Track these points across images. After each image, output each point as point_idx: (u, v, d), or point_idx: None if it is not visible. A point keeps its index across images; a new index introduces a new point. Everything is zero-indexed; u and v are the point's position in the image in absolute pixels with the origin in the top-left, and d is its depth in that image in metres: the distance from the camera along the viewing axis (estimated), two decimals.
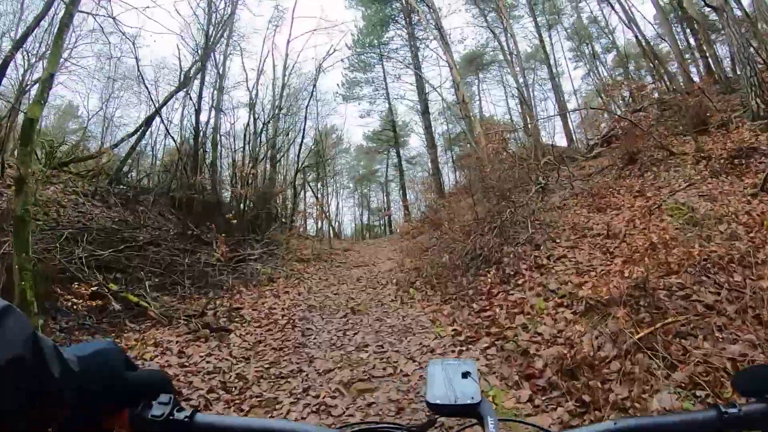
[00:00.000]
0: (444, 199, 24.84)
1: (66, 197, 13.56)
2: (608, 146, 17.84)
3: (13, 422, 0.49)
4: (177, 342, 7.04)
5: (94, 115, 23.44)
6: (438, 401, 0.76)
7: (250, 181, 18.35)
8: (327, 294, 10.38)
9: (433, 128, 30.37)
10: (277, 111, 20.87)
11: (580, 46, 31.20)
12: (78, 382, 0.56)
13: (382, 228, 48.19)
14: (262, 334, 7.43)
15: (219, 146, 18.95)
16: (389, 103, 34.00)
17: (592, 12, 28.01)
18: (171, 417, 0.66)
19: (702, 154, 10.44)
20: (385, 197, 45.69)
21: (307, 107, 21.66)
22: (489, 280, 7.30)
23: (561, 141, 26.25)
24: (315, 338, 6.90)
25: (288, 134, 23.01)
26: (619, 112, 14.17)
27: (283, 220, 19.85)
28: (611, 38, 27.83)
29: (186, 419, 0.67)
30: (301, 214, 19.19)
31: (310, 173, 33.08)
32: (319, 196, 28.48)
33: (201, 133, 18.07)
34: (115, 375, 0.64)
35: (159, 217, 15.42)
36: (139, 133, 18.00)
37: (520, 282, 6.86)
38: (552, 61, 28.22)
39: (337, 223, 40.83)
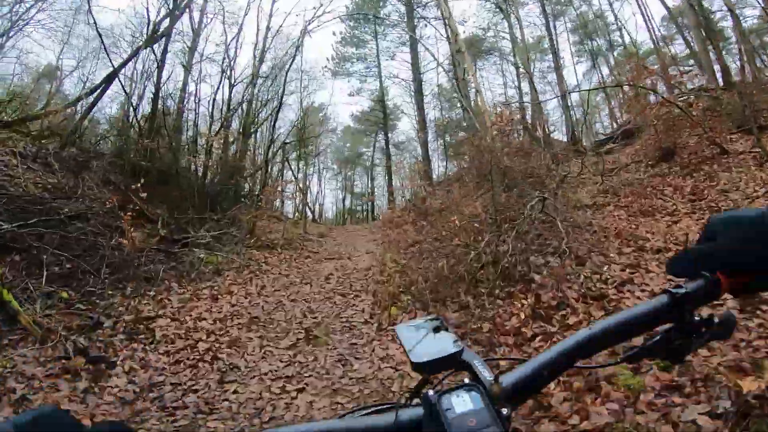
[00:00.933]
0: (434, 188, 22.25)
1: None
2: (626, 140, 15.34)
3: None
4: (34, 376, 4.40)
5: (68, 75, 20.91)
6: (423, 359, 0.69)
7: (213, 150, 15.49)
8: (281, 298, 7.77)
9: (425, 112, 27.60)
10: (253, 76, 17.92)
11: (585, 40, 28.73)
12: None
13: (365, 214, 45.58)
14: (162, 369, 4.78)
15: (185, 111, 15.95)
16: (381, 83, 31.12)
17: (600, 6, 25.47)
18: None
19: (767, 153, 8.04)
20: (369, 182, 42.85)
21: (287, 72, 18.72)
22: (517, 310, 4.63)
23: (558, 136, 23.75)
24: (235, 393, 4.24)
25: (266, 104, 20.10)
26: (653, 98, 11.51)
27: (251, 198, 17.03)
28: (621, 33, 25.33)
29: None
30: (271, 192, 16.17)
31: (291, 151, 30.36)
32: (299, 176, 25.63)
33: (162, 95, 15.17)
34: None
35: (102, 186, 12.59)
36: (97, 92, 15.12)
37: (570, 321, 4.21)
38: (555, 51, 25.58)
39: (317, 206, 37.98)
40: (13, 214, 8.18)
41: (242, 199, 15.84)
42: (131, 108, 14.57)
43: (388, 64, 31.66)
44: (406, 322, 0.80)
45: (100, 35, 13.93)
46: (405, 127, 41.05)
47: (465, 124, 26.34)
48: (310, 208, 26.70)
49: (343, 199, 45.67)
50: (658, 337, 0.70)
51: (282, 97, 18.63)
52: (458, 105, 32.10)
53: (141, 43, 15.22)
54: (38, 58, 21.27)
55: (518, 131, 16.08)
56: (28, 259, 7.35)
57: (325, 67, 30.64)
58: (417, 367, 0.70)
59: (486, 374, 0.65)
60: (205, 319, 6.45)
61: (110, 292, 7.16)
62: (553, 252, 6.17)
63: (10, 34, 18.74)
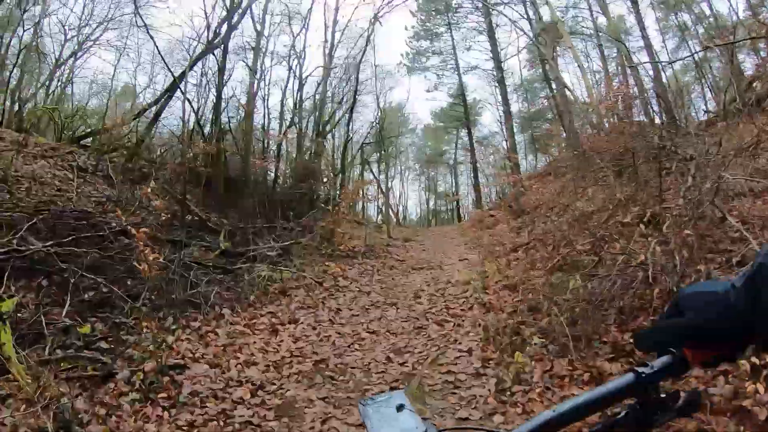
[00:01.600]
0: (523, 183, 19.92)
1: (56, 173, 10.38)
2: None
3: None
4: None
5: (141, 92, 20.51)
6: None
7: (284, 152, 13.97)
8: (359, 327, 5.92)
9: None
10: (324, 71, 16.33)
11: (670, 15, 25.18)
12: None
13: (450, 214, 43.35)
14: None
15: (253, 114, 14.54)
16: (459, 76, 28.84)
17: None
18: None
19: None
20: (453, 180, 40.55)
21: (359, 65, 16.98)
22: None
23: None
24: None
25: (340, 103, 18.51)
26: None
27: (327, 203, 15.42)
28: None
29: None
30: (351, 195, 14.39)
31: (371, 153, 28.73)
32: (381, 177, 23.91)
33: (226, 98, 13.84)
34: None
35: (162, 197, 11.32)
36: (160, 103, 14.05)
37: None
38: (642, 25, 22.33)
39: (400, 208, 36.16)
40: (54, 231, 6.90)
41: (319, 205, 14.20)
42: (195, 115, 13.31)
43: (465, 57, 29.21)
44: (370, 398, 0.80)
45: (155, 46, 12.81)
46: (487, 120, 38.56)
47: (552, 114, 24.04)
48: (393, 211, 24.98)
49: (427, 201, 43.67)
50: (622, 414, 0.69)
51: (356, 93, 16.97)
52: (541, 96, 29.56)
53: (200, 51, 14.01)
54: (107, 77, 20.62)
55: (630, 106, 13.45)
56: (59, 282, 5.94)
57: (400, 63, 28.83)
58: None
59: None
60: (255, 363, 4.68)
61: (145, 325, 5.58)
62: (739, 261, 3.96)
63: (79, 55, 18.31)
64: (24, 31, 16.91)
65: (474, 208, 27.58)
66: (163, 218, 9.40)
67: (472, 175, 28.23)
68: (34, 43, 16.95)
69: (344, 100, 19.31)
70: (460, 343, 4.95)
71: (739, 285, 0.68)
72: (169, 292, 6.30)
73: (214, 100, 13.47)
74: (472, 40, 27.64)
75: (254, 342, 5.29)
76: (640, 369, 0.68)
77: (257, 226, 10.77)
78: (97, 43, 18.55)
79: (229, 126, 13.55)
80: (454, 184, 40.22)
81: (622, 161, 9.97)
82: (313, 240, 11.12)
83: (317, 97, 16.86)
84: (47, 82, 17.98)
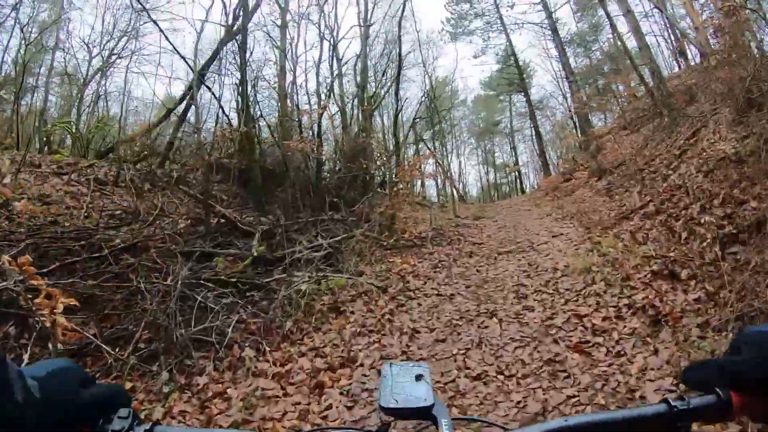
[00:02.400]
0: (601, 139, 17.14)
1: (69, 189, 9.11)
2: None
3: None
4: None
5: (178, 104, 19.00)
6: (391, 405, 0.69)
7: (327, 132, 11.88)
8: (453, 372, 3.62)
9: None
10: (364, 39, 14.04)
11: None
12: (39, 405, 0.54)
13: (510, 186, 40.42)
14: None
15: (286, 96, 12.46)
16: (507, 36, 25.61)
17: None
18: (131, 431, 0.59)
19: None
20: (512, 150, 37.49)
21: (400, 19, 14.53)
22: None
23: None
24: None
25: (384, 74, 16.24)
26: None
27: (383, 186, 13.15)
28: None
29: None
30: (408, 172, 11.97)
31: (424, 130, 26.30)
32: (438, 154, 21.52)
33: (252, 80, 11.86)
34: (72, 394, 0.59)
35: (187, 201, 9.51)
36: (184, 102, 12.28)
37: None
38: None
39: (461, 184, 33.51)
40: (46, 257, 5.43)
41: (374, 188, 12.01)
42: (219, 106, 11.40)
43: (510, 15, 26.22)
44: (392, 362, 0.78)
45: (175, 49, 10.93)
46: (541, 81, 35.18)
47: (611, 65, 20.96)
48: (455, 188, 22.55)
49: (486, 174, 40.79)
50: None
51: (401, 56, 14.51)
52: (594, 49, 26.24)
53: (221, 39, 12.05)
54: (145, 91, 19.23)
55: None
56: (32, 326, 4.17)
57: (442, 30, 26.17)
58: (386, 411, 0.69)
59: None
60: None
61: (130, 376, 3.65)
62: None
63: (106, 69, 16.96)
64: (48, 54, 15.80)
65: (541, 175, 24.80)
66: (182, 226, 7.53)
67: (535, 140, 25.28)
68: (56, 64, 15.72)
69: (387, 72, 17.07)
70: (644, 398, 2.63)
71: None
72: (169, 330, 4.29)
73: (238, 85, 11.49)
74: None
75: (284, 410, 3.16)
76: (674, 402, 0.60)
77: (301, 221, 8.71)
78: (122, 56, 17.05)
79: (260, 112, 11.61)
80: (513, 154, 37.17)
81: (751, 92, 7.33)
82: (371, 230, 8.98)
83: (358, 67, 14.64)
84: (77, 102, 16.71)
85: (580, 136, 18.97)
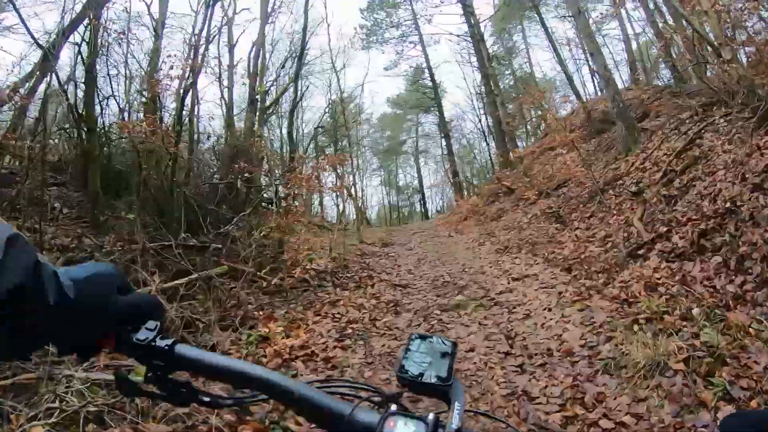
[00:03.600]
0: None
1: None
2: None
3: (7, 345, 0.49)
4: None
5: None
6: (408, 375, 0.65)
7: (201, 125, 8.68)
8: None
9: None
10: (262, 23, 10.94)
11: None
12: (72, 307, 0.53)
13: (413, 209, 38.34)
14: None
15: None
16: (423, 48, 23.40)
17: None
18: (153, 343, 0.61)
19: None
20: (417, 172, 35.37)
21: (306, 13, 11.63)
22: None
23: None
24: None
25: (283, 66, 13.22)
26: None
27: (271, 203, 9.93)
28: None
29: (166, 347, 0.61)
30: (306, 181, 8.47)
31: (326, 144, 23.39)
32: (339, 171, 18.66)
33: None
34: (107, 299, 0.59)
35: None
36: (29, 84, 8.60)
37: None
38: None
39: (362, 204, 30.59)
40: None
41: (257, 204, 8.79)
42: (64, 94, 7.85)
43: (428, 28, 24.13)
44: (421, 334, 0.74)
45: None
46: (452, 100, 33.35)
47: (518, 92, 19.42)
48: (360, 208, 19.68)
49: (388, 195, 38.38)
50: None
51: (305, 40, 11.53)
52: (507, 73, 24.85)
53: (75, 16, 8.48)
54: None
55: None
56: None
57: (354, 35, 23.62)
58: (402, 380, 0.66)
59: (454, 420, 0.58)
60: None
61: None
62: None
63: None
64: None
65: (450, 198, 22.70)
66: None
67: (446, 159, 23.10)
68: None
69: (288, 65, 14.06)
70: None
71: None
72: None
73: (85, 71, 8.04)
74: (435, 9, 22.68)
75: None
76: None
77: (134, 252, 5.43)
78: None
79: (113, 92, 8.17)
80: (417, 176, 35.09)
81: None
82: (245, 263, 5.89)
83: (252, 55, 11.49)
84: None
85: (500, 155, 16.87)
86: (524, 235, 8.69)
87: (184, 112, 8.15)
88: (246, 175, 8.37)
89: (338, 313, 5.04)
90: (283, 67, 13.97)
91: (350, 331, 4.40)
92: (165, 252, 5.71)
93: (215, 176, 8.81)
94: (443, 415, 0.60)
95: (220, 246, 6.11)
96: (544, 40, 26.64)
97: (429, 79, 22.89)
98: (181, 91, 7.58)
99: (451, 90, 30.61)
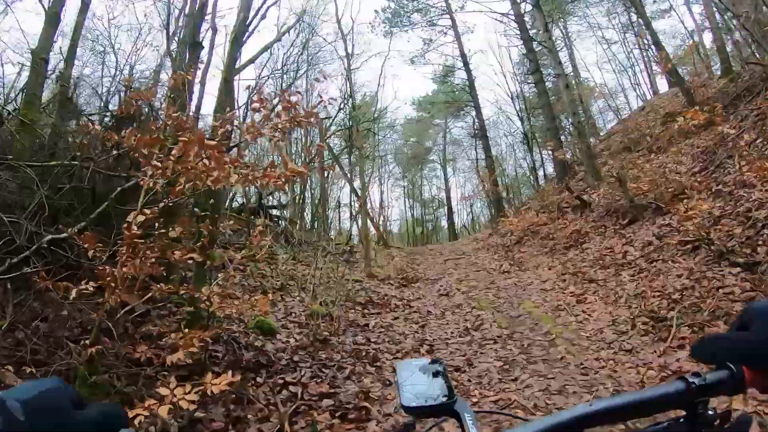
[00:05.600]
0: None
1: None
2: None
3: None
4: None
5: None
6: (413, 404, 0.67)
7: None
8: None
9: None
10: None
11: None
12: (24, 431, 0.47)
13: (437, 223, 33.67)
14: None
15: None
16: (455, 30, 18.76)
17: None
18: None
19: None
20: (444, 182, 30.65)
21: None
22: None
23: None
24: None
25: None
26: None
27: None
28: None
29: None
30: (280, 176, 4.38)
31: (342, 152, 19.04)
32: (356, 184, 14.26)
33: None
34: (64, 417, 0.51)
35: None
36: None
37: None
38: None
39: (382, 220, 25.91)
40: None
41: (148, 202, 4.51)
42: None
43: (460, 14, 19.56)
44: (406, 361, 0.77)
45: None
46: (488, 101, 28.46)
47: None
48: (374, 225, 15.27)
49: (411, 209, 33.74)
50: (665, 424, 0.60)
51: None
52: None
53: None
54: None
55: None
56: None
57: (376, 18, 19.44)
58: (407, 409, 0.67)
59: (471, 428, 0.62)
60: None
61: None
62: None
63: None
64: None
65: (491, 212, 18.22)
66: None
67: (483, 166, 18.53)
68: None
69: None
70: None
71: None
72: None
73: None
74: None
75: None
76: (691, 378, 0.57)
77: None
78: None
79: None
80: (444, 187, 30.47)
81: None
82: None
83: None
84: None
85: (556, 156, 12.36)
86: (659, 286, 4.33)
87: None
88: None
89: None
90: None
91: None
92: None
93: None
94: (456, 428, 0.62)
95: None
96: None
97: (463, 68, 18.34)
98: None
99: (483, 94, 25.89)
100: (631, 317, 4.34)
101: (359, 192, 12.92)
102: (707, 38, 17.22)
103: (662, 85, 19.98)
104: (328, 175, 18.86)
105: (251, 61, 11.30)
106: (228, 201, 11.08)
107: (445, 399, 0.66)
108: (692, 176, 7.52)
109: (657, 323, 4.20)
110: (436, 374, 0.73)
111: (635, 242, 6.63)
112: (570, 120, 13.88)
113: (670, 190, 7.42)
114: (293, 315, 5.33)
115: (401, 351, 4.14)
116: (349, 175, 14.72)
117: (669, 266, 5.28)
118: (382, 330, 4.81)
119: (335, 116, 17.63)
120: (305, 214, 16.83)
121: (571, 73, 21.07)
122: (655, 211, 7.21)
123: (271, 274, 7.39)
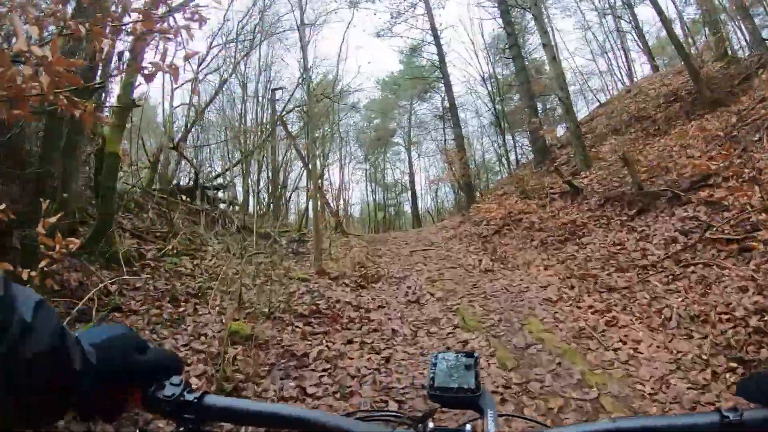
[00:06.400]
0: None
1: None
2: None
3: (34, 410, 0.47)
4: None
5: None
6: (439, 391, 0.66)
7: None
8: None
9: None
10: None
11: None
12: (95, 371, 0.52)
13: (399, 208, 32.00)
14: None
15: None
16: (427, 5, 17.11)
17: None
18: (181, 398, 0.58)
19: None
20: (408, 167, 28.93)
21: None
22: None
23: None
24: None
25: None
26: None
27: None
28: None
29: (195, 400, 0.58)
30: None
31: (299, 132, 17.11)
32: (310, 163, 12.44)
33: None
34: (128, 359, 0.57)
35: None
36: None
37: None
38: None
39: (341, 203, 23.98)
40: None
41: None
42: None
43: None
44: (444, 352, 0.74)
45: None
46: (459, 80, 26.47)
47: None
48: (332, 211, 13.53)
49: (373, 193, 31.94)
50: None
51: None
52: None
53: None
54: None
55: None
56: None
57: None
58: (433, 397, 0.66)
59: (490, 426, 0.60)
60: None
61: None
62: None
63: None
64: None
65: (459, 197, 16.78)
66: None
67: (451, 148, 17.01)
68: None
69: None
70: None
71: None
72: None
73: None
74: None
75: None
76: (726, 413, 0.53)
77: None
78: None
79: None
80: (408, 171, 28.83)
81: None
82: None
83: None
84: None
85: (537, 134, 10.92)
86: (720, 302, 2.94)
87: None
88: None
89: None
90: None
91: None
92: None
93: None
94: (477, 422, 0.59)
95: None
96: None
97: (433, 42, 16.65)
98: None
99: (454, 72, 24.01)
100: (702, 356, 2.87)
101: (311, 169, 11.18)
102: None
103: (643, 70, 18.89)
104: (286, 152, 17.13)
105: None
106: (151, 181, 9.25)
107: (471, 392, 0.63)
108: (710, 160, 6.15)
109: (741, 365, 2.75)
110: (468, 367, 0.68)
111: (653, 238, 5.22)
112: (551, 99, 12.49)
113: (685, 175, 6.07)
114: (204, 338, 3.68)
115: (351, 413, 2.59)
116: (303, 152, 12.93)
117: (716, 273, 3.86)
118: (327, 368, 3.21)
119: (293, 92, 15.81)
120: (259, 196, 15.02)
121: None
122: (670, 200, 5.82)
123: (192, 272, 5.68)
